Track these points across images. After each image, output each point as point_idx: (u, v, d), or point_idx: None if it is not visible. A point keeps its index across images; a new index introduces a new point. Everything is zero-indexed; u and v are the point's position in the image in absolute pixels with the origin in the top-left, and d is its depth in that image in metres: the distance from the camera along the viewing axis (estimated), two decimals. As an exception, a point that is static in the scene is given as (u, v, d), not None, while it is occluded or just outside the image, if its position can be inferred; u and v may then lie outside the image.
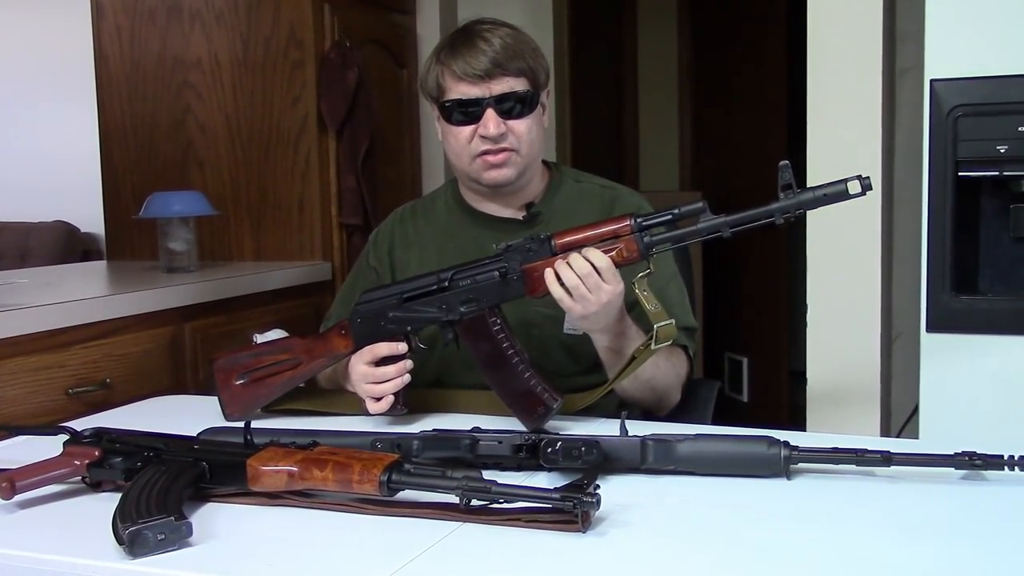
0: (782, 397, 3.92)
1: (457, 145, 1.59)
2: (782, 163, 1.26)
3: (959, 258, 1.73)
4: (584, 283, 1.33)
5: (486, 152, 1.56)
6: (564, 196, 1.68)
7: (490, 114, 1.54)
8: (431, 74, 1.60)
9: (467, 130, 1.57)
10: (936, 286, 1.74)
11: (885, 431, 2.18)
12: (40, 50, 4.57)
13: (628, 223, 1.33)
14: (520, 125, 1.57)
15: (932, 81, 1.72)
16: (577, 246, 1.35)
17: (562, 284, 1.34)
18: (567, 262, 1.34)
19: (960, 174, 1.71)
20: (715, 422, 1.69)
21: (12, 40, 4.67)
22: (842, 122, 2.08)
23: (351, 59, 2.83)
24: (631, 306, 1.56)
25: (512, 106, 1.56)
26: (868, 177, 1.24)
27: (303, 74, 2.82)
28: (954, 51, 1.71)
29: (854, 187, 1.24)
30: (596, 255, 1.33)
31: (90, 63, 3.09)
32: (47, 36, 4.53)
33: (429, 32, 3.24)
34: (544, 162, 1.71)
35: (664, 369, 1.52)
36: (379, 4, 3.13)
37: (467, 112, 1.56)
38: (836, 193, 1.25)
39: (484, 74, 1.54)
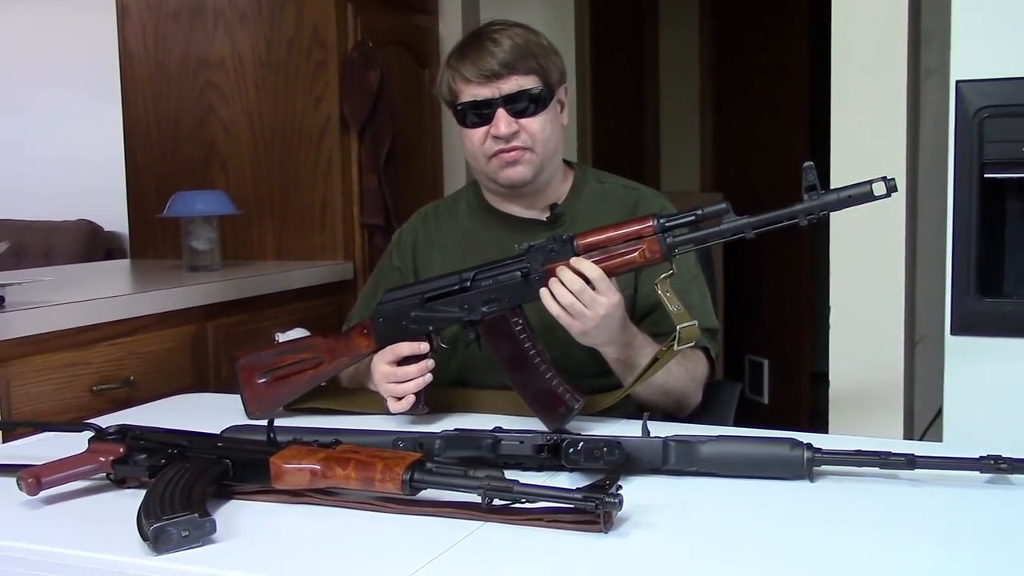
0: (803, 399, 3.90)
1: (472, 147, 1.60)
2: (806, 164, 1.25)
3: (984, 260, 1.72)
4: (579, 299, 1.33)
5: (500, 152, 1.57)
6: (587, 197, 1.68)
7: (501, 114, 1.55)
8: (443, 79, 1.62)
9: (480, 131, 1.57)
10: (961, 288, 1.73)
11: (908, 434, 2.16)
12: (65, 49, 4.61)
13: (651, 224, 1.32)
14: (533, 124, 1.57)
15: (958, 82, 1.70)
16: (599, 247, 1.35)
17: (558, 302, 1.34)
18: (559, 279, 1.34)
19: (985, 176, 1.69)
20: (736, 424, 1.69)
21: (37, 40, 4.72)
22: (866, 123, 2.07)
23: (374, 59, 2.84)
24: (653, 307, 1.57)
25: (525, 105, 1.56)
26: (893, 179, 1.23)
27: (326, 74, 2.84)
28: (980, 52, 1.70)
29: (879, 189, 1.23)
30: (587, 266, 1.33)
31: (115, 63, 3.12)
32: (72, 35, 4.57)
33: (451, 33, 3.24)
34: (567, 162, 1.71)
35: (677, 374, 1.51)
36: (402, 5, 3.14)
37: (480, 113, 1.57)
38: (861, 195, 1.24)
39: (492, 75, 1.54)
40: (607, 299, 1.34)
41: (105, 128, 3.58)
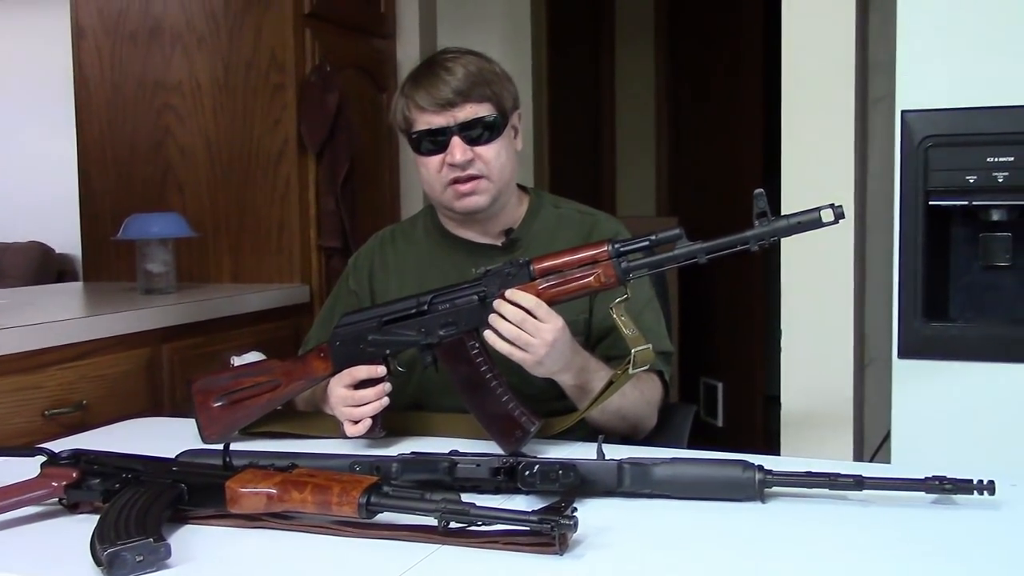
0: (757, 421, 3.94)
1: (428, 175, 1.61)
2: (757, 191, 1.28)
3: (930, 285, 1.76)
4: (523, 329, 1.35)
5: (456, 181, 1.58)
6: (543, 222, 1.69)
7: (455, 142, 1.56)
8: (398, 107, 1.63)
9: (436, 159, 1.58)
10: (907, 313, 1.76)
11: (858, 455, 2.20)
12: (19, 69, 4.57)
13: (606, 249, 1.35)
14: (488, 151, 1.58)
15: (903, 112, 1.75)
16: (556, 271, 1.36)
17: (504, 338, 1.36)
18: (498, 313, 1.36)
19: (930, 203, 1.74)
20: (690, 446, 1.71)
21: (-10, 60, 4.67)
22: (816, 150, 2.11)
23: (332, 83, 2.85)
24: (608, 331, 1.58)
25: (480, 133, 1.58)
26: (841, 206, 1.26)
27: (284, 97, 2.83)
28: (925, 83, 1.75)
29: (827, 216, 1.26)
30: (522, 297, 1.35)
31: (69, 83, 3.09)
32: (26, 56, 4.53)
33: (409, 57, 3.26)
34: (523, 188, 1.73)
35: (632, 398, 1.53)
36: (360, 29, 3.15)
37: (435, 141, 1.58)
38: (809, 221, 1.27)
39: (447, 103, 1.56)
40: (551, 324, 1.36)
41: (58, 149, 3.54)
